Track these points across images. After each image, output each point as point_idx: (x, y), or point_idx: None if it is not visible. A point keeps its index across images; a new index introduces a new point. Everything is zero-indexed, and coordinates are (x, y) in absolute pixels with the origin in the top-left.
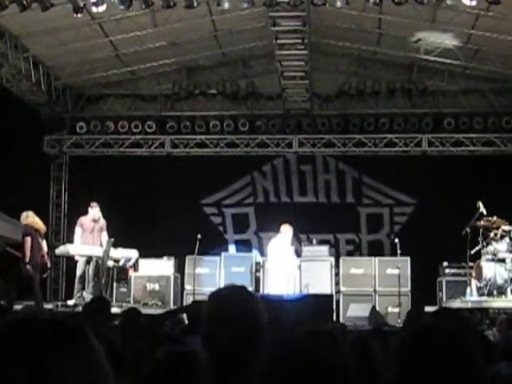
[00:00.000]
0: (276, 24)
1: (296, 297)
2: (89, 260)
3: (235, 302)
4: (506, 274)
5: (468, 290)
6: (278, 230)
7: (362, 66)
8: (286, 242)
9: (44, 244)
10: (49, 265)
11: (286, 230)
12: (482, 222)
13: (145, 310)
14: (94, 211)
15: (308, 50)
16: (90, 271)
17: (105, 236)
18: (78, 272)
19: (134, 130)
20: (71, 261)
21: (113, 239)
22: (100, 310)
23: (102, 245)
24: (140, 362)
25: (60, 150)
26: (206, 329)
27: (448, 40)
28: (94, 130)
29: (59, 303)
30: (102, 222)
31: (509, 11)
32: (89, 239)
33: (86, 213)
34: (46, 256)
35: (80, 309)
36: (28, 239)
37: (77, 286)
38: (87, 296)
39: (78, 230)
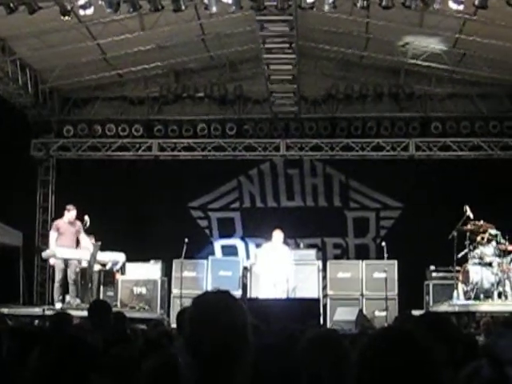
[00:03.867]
0: (264, 28)
1: (283, 301)
2: (66, 263)
3: (218, 307)
4: (493, 277)
5: (455, 293)
6: (264, 236)
7: (349, 69)
8: (279, 245)
9: None
10: None
11: (279, 236)
12: (468, 226)
13: (131, 314)
14: (71, 214)
15: (295, 53)
16: (72, 275)
17: (84, 238)
18: (58, 276)
19: (122, 134)
20: None
21: (99, 243)
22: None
23: (78, 247)
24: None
25: (47, 154)
26: (189, 333)
27: (435, 44)
28: (81, 134)
29: (46, 307)
30: (78, 224)
31: (495, 16)
32: (64, 242)
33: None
34: None
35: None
36: None
37: (57, 289)
38: (72, 300)
39: (53, 234)
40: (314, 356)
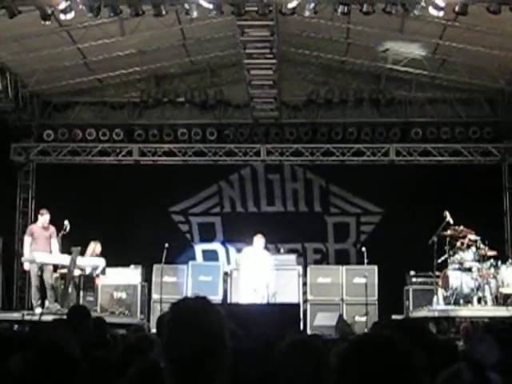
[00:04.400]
0: (244, 33)
1: (264, 306)
2: (41, 268)
3: (196, 312)
4: (472, 282)
5: (435, 298)
6: (245, 240)
7: (329, 75)
8: (260, 250)
9: None
10: None
11: (260, 241)
12: (448, 232)
13: (111, 319)
14: (44, 218)
15: (276, 59)
16: (48, 279)
17: (54, 242)
18: (33, 281)
19: (102, 138)
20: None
21: (79, 248)
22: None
23: (51, 251)
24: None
25: (27, 158)
26: (167, 339)
27: (416, 50)
28: (62, 138)
29: (25, 312)
30: (52, 228)
31: (475, 22)
32: (39, 247)
33: (52, 222)
34: None
35: (47, 318)
36: None
37: (34, 294)
38: (51, 305)
39: (27, 239)
40: (295, 360)
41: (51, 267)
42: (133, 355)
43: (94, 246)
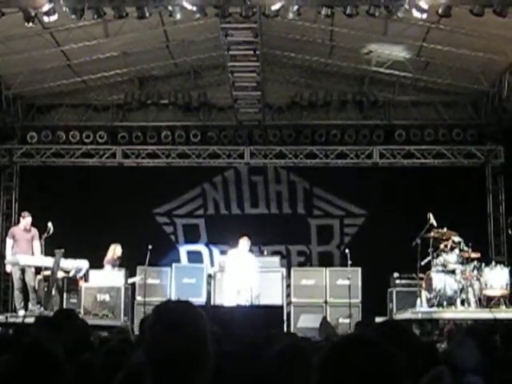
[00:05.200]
0: (228, 35)
1: (247, 308)
2: (22, 270)
3: (179, 316)
4: (456, 285)
5: (418, 300)
6: (228, 243)
7: (313, 77)
8: (245, 253)
9: None
10: None
11: (245, 243)
12: (432, 234)
13: (95, 321)
14: (26, 221)
15: (260, 61)
16: (31, 282)
17: (37, 244)
18: (16, 283)
19: (86, 140)
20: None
21: (63, 250)
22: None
23: (33, 254)
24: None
25: (10, 160)
26: (149, 342)
27: (399, 52)
28: (45, 140)
29: (8, 314)
30: (34, 230)
31: (459, 24)
32: (21, 249)
33: (35, 224)
34: None
35: (30, 320)
36: None
37: (17, 297)
38: (35, 308)
39: (9, 241)
40: (291, 364)
41: (33, 269)
42: (115, 358)
43: (114, 248)
